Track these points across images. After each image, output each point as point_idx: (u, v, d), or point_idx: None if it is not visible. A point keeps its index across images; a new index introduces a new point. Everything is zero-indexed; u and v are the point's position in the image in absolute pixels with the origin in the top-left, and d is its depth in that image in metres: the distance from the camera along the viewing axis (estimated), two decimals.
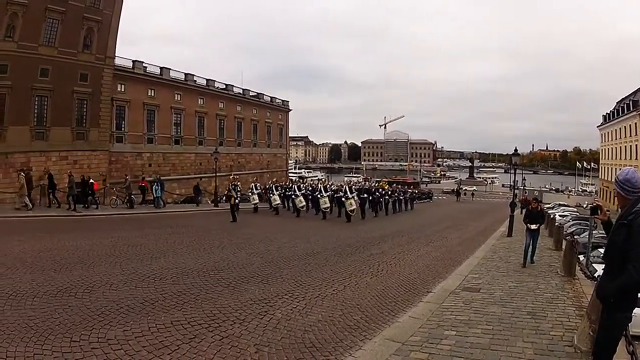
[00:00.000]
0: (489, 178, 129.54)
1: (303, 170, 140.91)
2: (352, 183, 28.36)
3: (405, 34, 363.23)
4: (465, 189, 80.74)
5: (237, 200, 21.16)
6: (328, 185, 28.47)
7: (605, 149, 76.79)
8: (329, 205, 25.47)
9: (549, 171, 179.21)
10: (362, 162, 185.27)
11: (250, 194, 28.50)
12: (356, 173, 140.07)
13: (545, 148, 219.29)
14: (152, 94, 44.08)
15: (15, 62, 29.45)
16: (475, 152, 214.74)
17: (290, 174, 78.16)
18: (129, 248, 12.73)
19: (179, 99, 47.58)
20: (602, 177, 77.69)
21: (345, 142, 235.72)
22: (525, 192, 59.29)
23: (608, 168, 72.53)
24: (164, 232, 16.67)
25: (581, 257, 13.66)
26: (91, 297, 7.65)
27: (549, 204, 55.31)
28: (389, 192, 33.08)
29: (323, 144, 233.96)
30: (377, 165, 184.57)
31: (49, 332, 5.96)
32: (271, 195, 28.23)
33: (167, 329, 6.41)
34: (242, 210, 24.40)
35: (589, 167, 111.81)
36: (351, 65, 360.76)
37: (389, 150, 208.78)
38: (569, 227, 26.39)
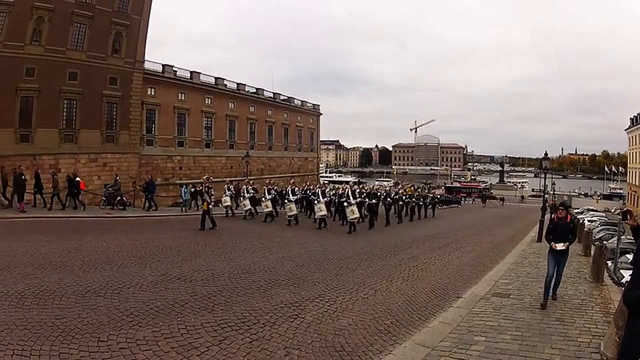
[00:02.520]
0: (519, 183, 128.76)
1: (334, 174, 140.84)
2: (355, 187, 24.47)
3: (436, 36, 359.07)
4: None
5: (210, 205, 18.79)
6: (326, 190, 25.31)
7: (632, 153, 74.59)
8: (325, 212, 21.73)
9: (577, 175, 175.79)
10: (393, 167, 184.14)
11: (242, 198, 24.99)
12: (387, 177, 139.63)
13: (574, 152, 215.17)
14: (183, 98, 44.46)
15: (43, 66, 30.03)
16: (505, 156, 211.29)
17: (321, 178, 77.73)
18: (159, 249, 12.82)
19: (209, 102, 47.79)
20: (630, 182, 75.58)
21: (376, 146, 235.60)
22: (555, 197, 58.25)
23: (636, 172, 70.65)
24: (194, 235, 16.73)
25: (609, 263, 13.28)
26: (120, 297, 7.72)
27: (577, 209, 54.05)
28: (404, 197, 29.54)
29: (354, 148, 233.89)
30: (407, 170, 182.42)
31: (75, 332, 6.00)
32: (262, 200, 24.05)
33: (197, 330, 6.44)
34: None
35: (617, 171, 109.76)
36: (382, 68, 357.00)
37: (420, 155, 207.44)
38: (598, 232, 26.02)
